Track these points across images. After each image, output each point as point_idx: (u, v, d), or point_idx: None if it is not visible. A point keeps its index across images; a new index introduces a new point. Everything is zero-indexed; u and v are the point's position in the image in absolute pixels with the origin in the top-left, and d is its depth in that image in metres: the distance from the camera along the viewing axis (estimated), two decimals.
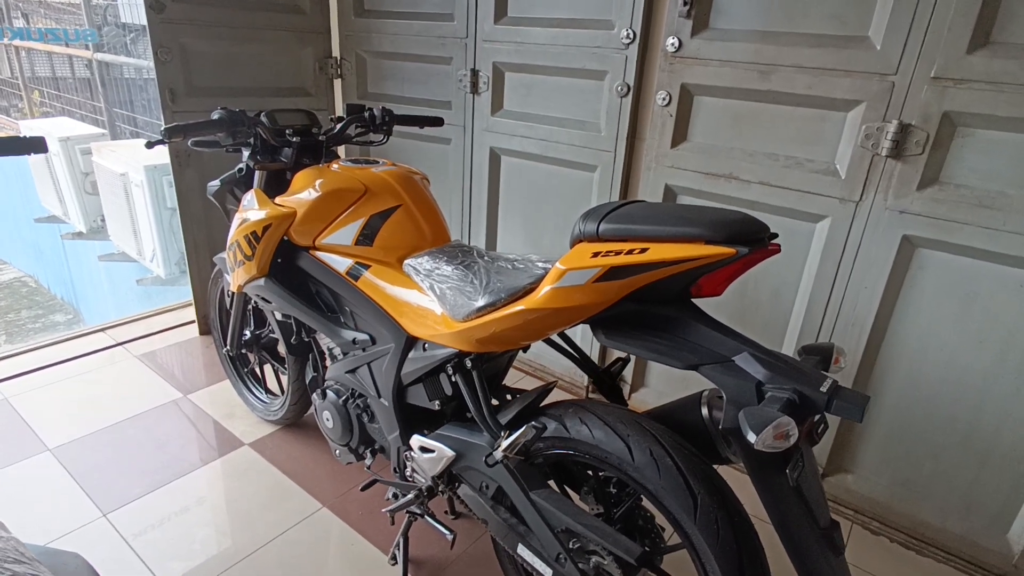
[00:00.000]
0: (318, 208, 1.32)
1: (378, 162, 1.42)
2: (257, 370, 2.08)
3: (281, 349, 1.74)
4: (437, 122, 1.72)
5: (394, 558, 1.49)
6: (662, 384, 2.14)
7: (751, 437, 0.74)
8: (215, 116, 1.33)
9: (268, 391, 2.06)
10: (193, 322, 2.59)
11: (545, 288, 0.96)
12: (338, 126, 1.55)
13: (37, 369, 2.24)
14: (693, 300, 0.97)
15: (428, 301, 1.20)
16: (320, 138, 1.51)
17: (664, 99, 1.82)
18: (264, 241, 1.37)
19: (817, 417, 0.88)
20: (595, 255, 0.90)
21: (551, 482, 1.26)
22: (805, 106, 1.61)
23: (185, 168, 2.28)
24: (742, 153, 1.74)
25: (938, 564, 1.65)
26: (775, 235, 0.90)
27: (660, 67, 1.81)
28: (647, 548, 1.08)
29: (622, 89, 1.89)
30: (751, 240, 0.84)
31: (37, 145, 0.97)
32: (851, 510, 1.81)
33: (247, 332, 1.89)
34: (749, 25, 1.64)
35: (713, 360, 0.89)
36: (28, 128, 4.98)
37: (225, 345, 1.94)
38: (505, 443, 1.04)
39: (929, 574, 1.62)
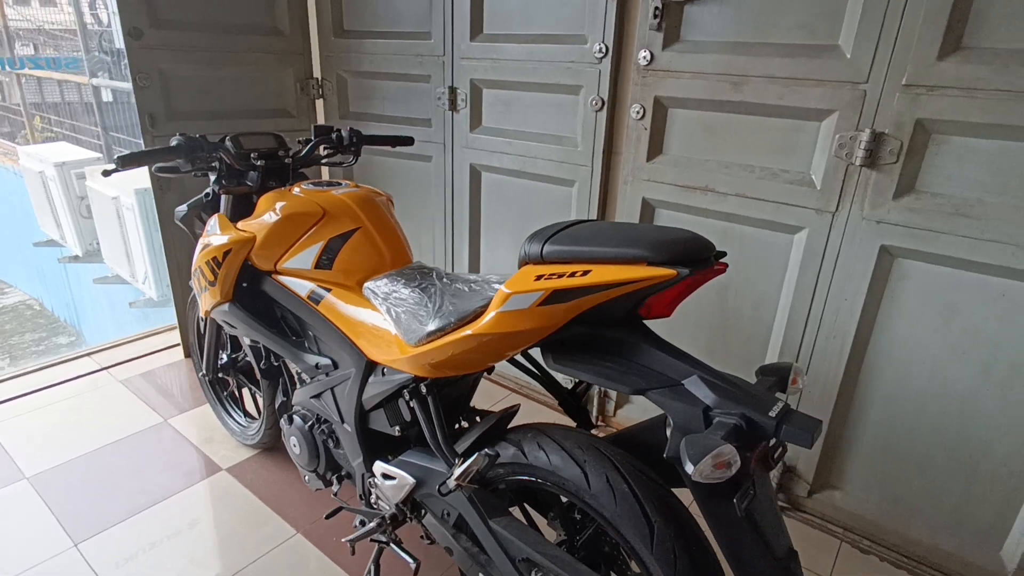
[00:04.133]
0: (277, 232, 1.31)
1: (340, 184, 1.41)
2: (236, 393, 2.06)
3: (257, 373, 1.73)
4: (407, 141, 1.71)
5: None
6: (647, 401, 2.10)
7: (688, 468, 0.71)
8: (172, 143, 1.32)
9: (247, 414, 2.04)
10: (178, 345, 2.58)
11: (491, 313, 0.94)
12: (305, 148, 1.54)
13: (20, 396, 2.23)
14: (645, 322, 0.94)
15: (385, 325, 1.18)
16: (286, 161, 1.50)
17: (638, 112, 1.80)
18: (225, 266, 1.35)
19: (773, 442, 0.85)
20: (538, 278, 0.88)
21: (516, 508, 1.23)
22: (778, 116, 1.59)
23: (166, 192, 2.28)
24: (717, 165, 1.72)
25: None
26: (722, 254, 0.88)
27: (633, 80, 1.79)
28: None
29: (596, 103, 1.87)
30: (694, 260, 0.81)
31: None
32: (840, 528, 1.76)
33: (223, 356, 1.88)
34: (719, 36, 1.62)
35: (662, 384, 0.86)
36: (27, 154, 5.05)
37: (202, 369, 1.92)
38: (457, 471, 1.01)
39: None
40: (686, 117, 1.74)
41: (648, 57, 1.73)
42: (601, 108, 1.87)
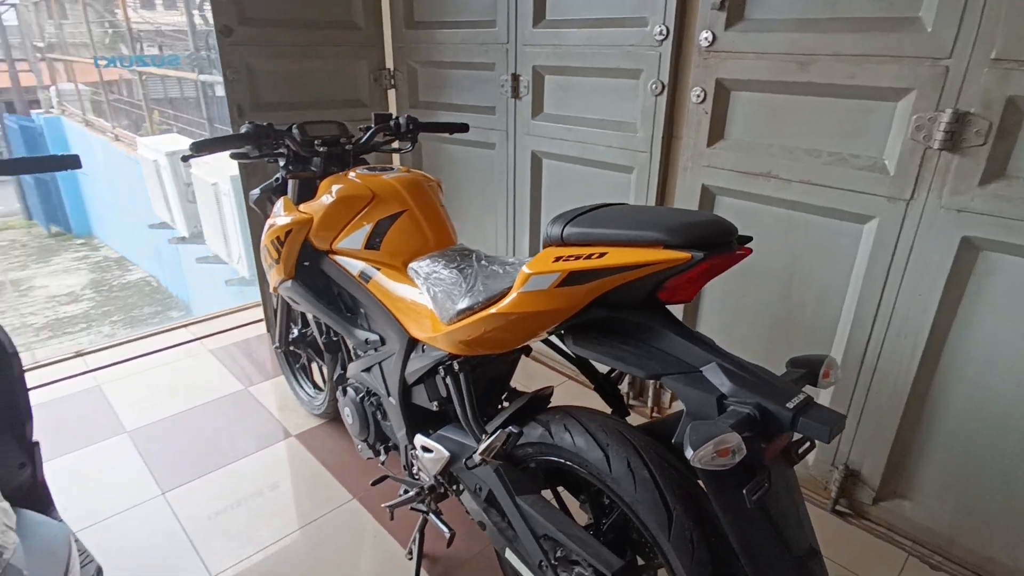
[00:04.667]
0: (331, 213, 1.39)
1: (393, 169, 1.47)
2: (307, 366, 2.20)
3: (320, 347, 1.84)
4: (462, 128, 1.75)
5: (411, 552, 1.53)
6: None
7: (688, 453, 0.70)
8: (241, 130, 1.43)
9: (315, 386, 2.18)
10: (261, 320, 2.79)
11: (513, 293, 0.96)
12: (365, 135, 1.62)
13: (126, 360, 2.51)
14: (667, 307, 0.93)
15: (424, 303, 1.23)
16: (347, 147, 1.58)
17: (699, 96, 1.74)
18: (287, 245, 1.45)
19: (798, 436, 0.81)
20: (557, 260, 0.89)
21: (549, 491, 1.25)
22: (848, 97, 1.49)
23: (252, 177, 2.46)
24: (781, 150, 1.63)
25: None
26: (747, 238, 0.85)
27: (694, 63, 1.74)
28: (630, 563, 1.04)
29: (656, 87, 1.83)
30: (713, 244, 0.79)
31: (72, 162, 1.10)
32: (908, 540, 1.64)
33: (295, 330, 2.01)
34: (786, 14, 1.54)
35: (679, 370, 0.84)
36: (143, 144, 5.60)
37: (276, 342, 2.08)
38: (481, 446, 1.04)
39: None
40: (749, 100, 1.67)
41: (710, 38, 1.67)
42: (661, 92, 1.83)
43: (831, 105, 1.52)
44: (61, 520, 1.34)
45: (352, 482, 1.82)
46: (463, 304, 1.08)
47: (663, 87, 1.82)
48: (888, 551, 1.63)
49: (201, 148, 1.33)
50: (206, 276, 5.43)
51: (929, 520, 1.60)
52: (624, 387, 2.25)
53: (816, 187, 1.58)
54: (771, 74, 1.59)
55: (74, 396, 2.26)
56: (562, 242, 0.91)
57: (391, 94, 2.74)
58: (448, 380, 1.17)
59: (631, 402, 2.26)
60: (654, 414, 2.19)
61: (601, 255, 0.83)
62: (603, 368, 1.17)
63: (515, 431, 1.03)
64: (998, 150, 1.30)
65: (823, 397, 1.73)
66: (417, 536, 1.50)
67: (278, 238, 1.47)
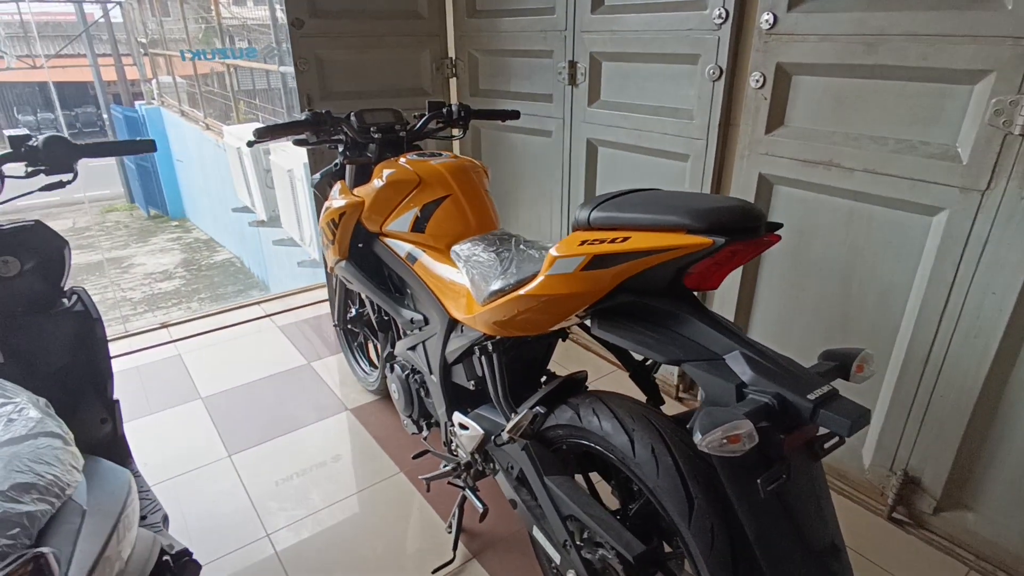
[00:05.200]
0: (381, 197, 1.45)
1: (441, 155, 1.51)
2: (364, 344, 2.31)
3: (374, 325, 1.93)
4: (514, 115, 1.77)
5: (450, 526, 1.59)
6: None
7: (696, 437, 0.70)
8: (301, 118, 1.51)
9: (371, 363, 2.28)
10: (326, 300, 2.94)
11: (541, 276, 0.97)
12: (419, 122, 1.67)
13: (205, 332, 2.71)
14: (695, 294, 0.92)
15: (463, 285, 1.26)
16: (401, 134, 1.64)
17: (758, 81, 1.68)
18: (341, 227, 1.53)
19: (824, 431, 0.79)
20: (583, 243, 0.90)
21: (585, 475, 1.27)
22: (919, 80, 1.40)
23: (318, 164, 2.59)
24: (844, 137, 1.56)
25: None
26: (778, 225, 0.82)
27: (754, 47, 1.68)
28: (653, 549, 1.04)
29: (714, 72, 1.78)
30: (738, 230, 0.78)
31: (148, 146, 1.21)
32: (971, 554, 1.54)
33: (352, 310, 2.11)
34: None
35: (702, 357, 0.84)
36: (228, 132, 5.98)
37: (335, 320, 2.19)
38: (509, 425, 1.07)
39: None
40: (811, 85, 1.60)
41: (771, 20, 1.61)
42: (719, 78, 1.78)
43: (900, 89, 1.43)
44: (138, 473, 1.49)
45: (400, 456, 1.90)
46: (496, 286, 1.11)
47: (721, 72, 1.77)
48: (948, 564, 1.54)
49: (263, 134, 1.43)
50: (283, 257, 5.76)
51: (995, 535, 1.50)
52: (674, 379, 2.22)
53: (881, 176, 1.50)
54: (836, 57, 1.51)
55: (158, 363, 2.47)
56: (589, 226, 0.91)
57: (452, 83, 2.80)
58: (483, 360, 1.21)
59: (681, 395, 2.23)
60: None
61: (625, 239, 0.84)
62: (638, 356, 1.17)
63: (541, 411, 1.05)
64: None
65: (881, 398, 1.64)
66: (456, 511, 1.56)
67: (333, 220, 1.55)
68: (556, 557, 1.13)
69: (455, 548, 1.54)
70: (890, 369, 1.61)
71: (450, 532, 1.58)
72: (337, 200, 1.57)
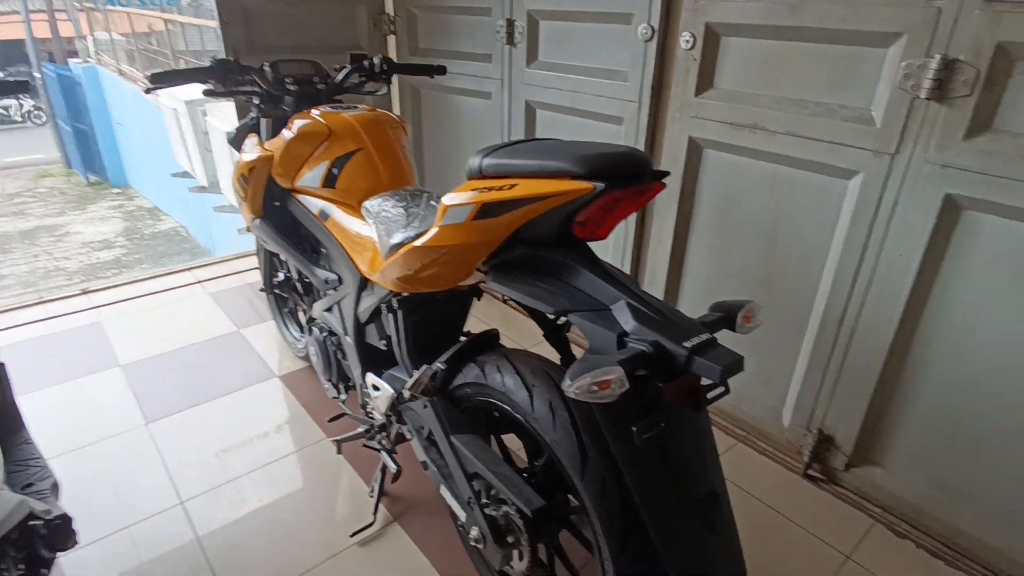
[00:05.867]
0: (290, 150, 1.38)
1: (356, 107, 1.45)
2: (294, 309, 2.24)
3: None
4: (439, 70, 1.71)
5: (372, 490, 1.57)
6: None
7: (565, 383, 0.69)
8: (205, 65, 1.42)
9: (301, 329, 2.22)
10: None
11: (434, 227, 0.94)
12: (339, 76, 1.60)
13: (129, 299, 2.59)
14: (588, 244, 0.90)
15: (371, 241, 1.22)
16: (319, 87, 1.56)
17: (688, 41, 1.66)
18: (252, 183, 1.46)
19: (708, 381, 0.79)
20: (474, 192, 0.87)
21: (497, 436, 1.26)
22: (839, 43, 1.40)
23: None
24: (769, 100, 1.56)
25: None
26: (664, 173, 0.81)
27: (685, 6, 1.65)
28: (555, 504, 1.04)
29: (646, 32, 1.75)
30: (620, 176, 0.76)
31: (22, 87, 1.12)
32: (877, 508, 1.61)
33: (280, 274, 2.04)
34: None
35: (589, 307, 0.82)
36: (165, 92, 5.66)
37: (263, 285, 2.11)
38: (410, 382, 1.05)
39: None
40: (738, 46, 1.59)
41: None
42: (651, 38, 1.75)
43: (821, 52, 1.44)
44: (29, 440, 1.41)
45: (324, 422, 1.86)
46: (396, 239, 1.07)
47: (653, 32, 1.74)
48: (856, 517, 1.61)
49: (160, 80, 1.33)
50: (228, 225, 5.54)
51: (899, 489, 1.56)
52: None
53: (802, 140, 1.51)
54: (761, 18, 1.50)
55: (76, 330, 2.35)
56: (481, 174, 0.88)
57: (391, 40, 2.70)
58: (390, 318, 1.17)
59: None
60: None
61: (512, 186, 0.81)
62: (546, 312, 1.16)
63: (440, 367, 1.03)
64: (985, 101, 1.21)
65: (800, 360, 1.68)
66: (379, 474, 1.54)
67: (243, 176, 1.48)
68: (461, 515, 1.12)
69: (375, 511, 1.52)
70: (809, 331, 1.65)
71: (372, 496, 1.56)
72: (247, 154, 1.49)
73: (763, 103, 1.57)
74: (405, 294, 1.14)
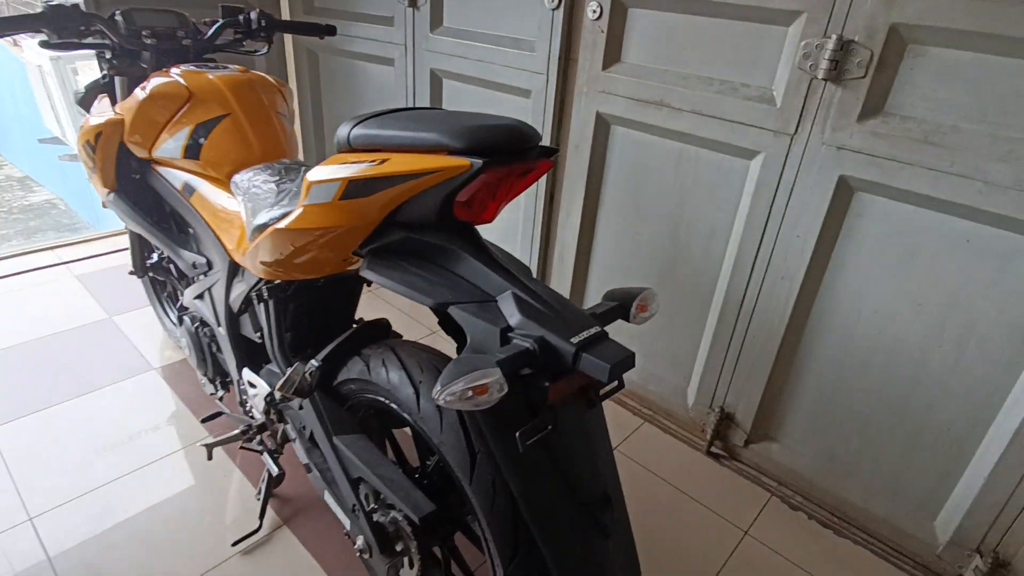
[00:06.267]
0: (143, 114, 1.20)
1: (227, 68, 1.28)
2: (175, 294, 2.02)
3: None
4: (329, 31, 1.55)
5: (260, 492, 1.43)
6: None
7: (435, 391, 0.60)
8: (39, 11, 1.20)
9: None
10: None
11: (299, 207, 0.82)
12: (210, 30, 1.40)
13: None
14: (476, 228, 0.81)
15: (241, 220, 1.08)
16: (184, 42, 1.37)
17: (595, 11, 1.59)
18: (100, 151, 1.26)
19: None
20: (340, 167, 0.75)
21: (390, 435, 1.16)
22: (743, 19, 1.37)
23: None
24: (676, 77, 1.52)
25: (855, 546, 1.50)
26: (553, 150, 0.73)
27: None
28: (446, 507, 0.97)
29: (553, 0, 1.66)
30: (502, 152, 0.67)
31: None
32: (774, 481, 1.66)
33: (154, 255, 1.82)
34: None
35: (474, 299, 0.74)
36: (28, 46, 5.00)
37: (132, 267, 1.88)
38: (280, 382, 0.93)
39: (843, 555, 1.48)
40: (645, 19, 1.53)
41: None
42: (558, 6, 1.66)
43: (726, 28, 1.41)
44: None
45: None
46: (260, 219, 0.94)
47: (560, 0, 1.65)
48: (753, 492, 1.65)
49: None
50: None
51: (793, 463, 1.61)
52: None
53: (706, 118, 1.48)
54: None
55: None
56: (350, 147, 0.77)
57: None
58: (261, 308, 1.04)
59: None
60: None
61: (383, 162, 0.71)
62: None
63: (315, 364, 0.92)
64: (877, 84, 1.22)
65: (704, 340, 1.69)
66: (266, 475, 1.41)
67: (88, 142, 1.27)
68: (346, 522, 1.02)
69: (262, 516, 1.39)
70: (712, 311, 1.66)
71: (259, 499, 1.43)
72: (94, 118, 1.29)
73: (669, 79, 1.53)
74: (277, 281, 1.02)
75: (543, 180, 1.88)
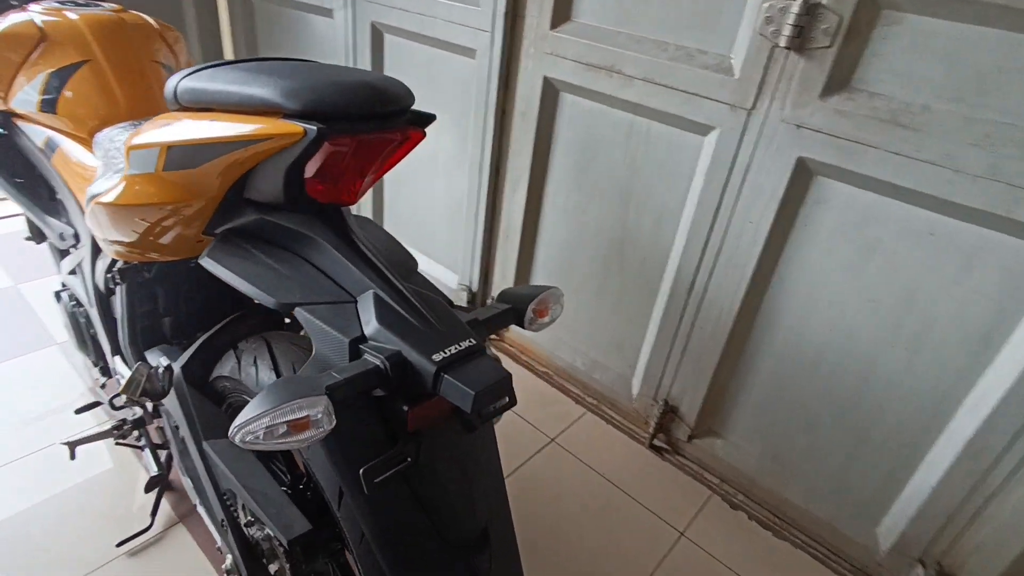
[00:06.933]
0: None
1: (99, 5, 1.09)
2: None
3: None
4: None
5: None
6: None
7: (232, 428, 0.47)
8: None
9: None
10: None
11: (123, 178, 0.67)
12: None
13: None
14: (348, 209, 0.67)
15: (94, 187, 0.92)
16: None
17: None
18: None
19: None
20: (162, 129, 0.60)
21: None
22: None
23: None
24: (628, 39, 1.37)
25: (794, 549, 1.43)
26: (427, 117, 0.59)
27: None
28: (319, 530, 0.84)
29: None
30: (351, 116, 0.53)
31: None
32: (716, 478, 1.58)
33: None
34: None
35: (329, 299, 0.60)
36: None
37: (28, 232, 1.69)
38: (123, 383, 0.79)
39: (782, 559, 1.41)
40: None
41: None
42: None
43: None
44: None
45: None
46: (92, 189, 0.78)
47: None
48: (695, 488, 1.57)
49: None
50: None
51: (737, 460, 1.53)
52: None
53: (658, 88, 1.34)
54: None
55: None
56: (178, 104, 0.62)
57: None
58: (117, 291, 0.89)
59: None
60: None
61: (207, 125, 0.56)
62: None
63: (162, 364, 0.78)
64: (845, 55, 1.08)
65: (650, 328, 1.58)
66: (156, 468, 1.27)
67: None
68: (217, 538, 0.90)
69: (154, 513, 1.26)
70: (660, 297, 1.54)
71: (149, 492, 1.30)
72: None
73: (622, 42, 1.37)
74: (133, 262, 0.86)
75: (485, 149, 1.72)
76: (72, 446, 1.08)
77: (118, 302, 0.90)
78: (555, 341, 1.85)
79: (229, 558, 0.87)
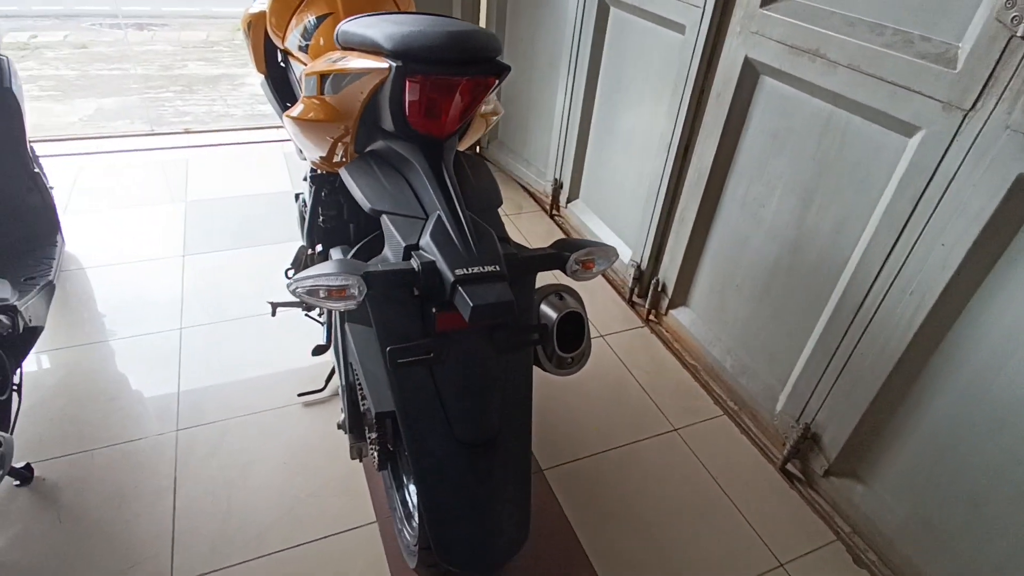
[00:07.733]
0: (276, 2, 1.32)
1: None
2: None
3: None
4: None
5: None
6: (702, 305, 1.82)
7: (289, 274, 0.63)
8: None
9: None
10: None
11: (301, 98, 0.88)
12: None
13: (218, 144, 2.83)
14: (441, 142, 0.79)
15: None
16: None
17: None
18: (252, 37, 1.45)
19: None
20: (322, 60, 0.78)
21: None
22: None
23: None
24: (841, 21, 1.24)
25: None
26: (502, 66, 0.67)
27: None
28: None
29: None
30: (432, 60, 0.64)
31: None
32: (848, 526, 1.40)
33: None
34: None
35: (408, 213, 0.73)
36: None
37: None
38: (291, 259, 1.03)
39: None
40: None
41: None
42: None
43: None
44: (58, 241, 1.63)
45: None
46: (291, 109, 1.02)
47: None
48: (817, 529, 1.41)
49: None
50: None
51: (877, 514, 1.34)
52: (629, 282, 2.06)
53: (864, 77, 1.19)
54: None
55: (166, 164, 2.63)
56: (339, 43, 0.79)
57: None
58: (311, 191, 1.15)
59: (635, 299, 2.08)
60: (553, 213, 2.01)
61: (342, 59, 0.72)
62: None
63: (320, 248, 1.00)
64: None
65: (809, 342, 1.44)
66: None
67: (245, 29, 1.47)
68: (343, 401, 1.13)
69: (328, 380, 1.59)
70: (824, 313, 1.40)
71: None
72: (254, 6, 1.48)
73: (834, 24, 1.25)
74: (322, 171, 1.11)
75: (677, 128, 1.71)
76: (275, 306, 1.43)
77: (311, 203, 1.17)
78: (709, 337, 1.78)
79: (343, 415, 1.09)
